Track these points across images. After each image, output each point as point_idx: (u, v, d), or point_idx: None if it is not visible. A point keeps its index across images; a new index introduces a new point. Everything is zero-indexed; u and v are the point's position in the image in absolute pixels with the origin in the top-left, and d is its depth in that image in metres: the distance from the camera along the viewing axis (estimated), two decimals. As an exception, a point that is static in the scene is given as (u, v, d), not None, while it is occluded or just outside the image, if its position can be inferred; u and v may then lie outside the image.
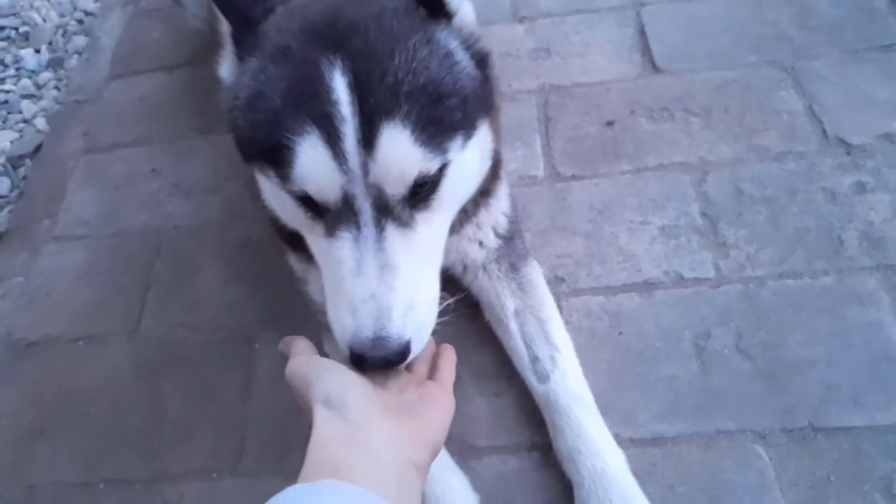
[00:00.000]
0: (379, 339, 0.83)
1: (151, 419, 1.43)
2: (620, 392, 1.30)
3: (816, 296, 1.36)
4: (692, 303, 1.39)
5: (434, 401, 0.89)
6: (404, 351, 0.85)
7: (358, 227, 0.85)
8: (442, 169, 0.89)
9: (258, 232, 1.64)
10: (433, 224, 0.92)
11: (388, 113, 0.82)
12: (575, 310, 1.42)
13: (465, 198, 1.04)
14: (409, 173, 0.85)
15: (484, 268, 1.36)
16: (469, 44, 0.95)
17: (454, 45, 0.92)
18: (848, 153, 1.56)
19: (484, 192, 1.25)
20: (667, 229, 1.51)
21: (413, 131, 0.83)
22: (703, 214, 1.52)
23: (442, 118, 0.86)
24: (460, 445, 1.27)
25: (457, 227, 1.25)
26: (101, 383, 1.50)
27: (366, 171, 0.83)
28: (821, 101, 1.66)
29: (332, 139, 0.82)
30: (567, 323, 1.36)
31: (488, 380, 1.36)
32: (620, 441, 1.20)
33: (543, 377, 1.25)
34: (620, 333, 1.38)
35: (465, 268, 1.38)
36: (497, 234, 1.35)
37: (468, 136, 0.92)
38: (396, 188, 0.85)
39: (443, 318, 0.97)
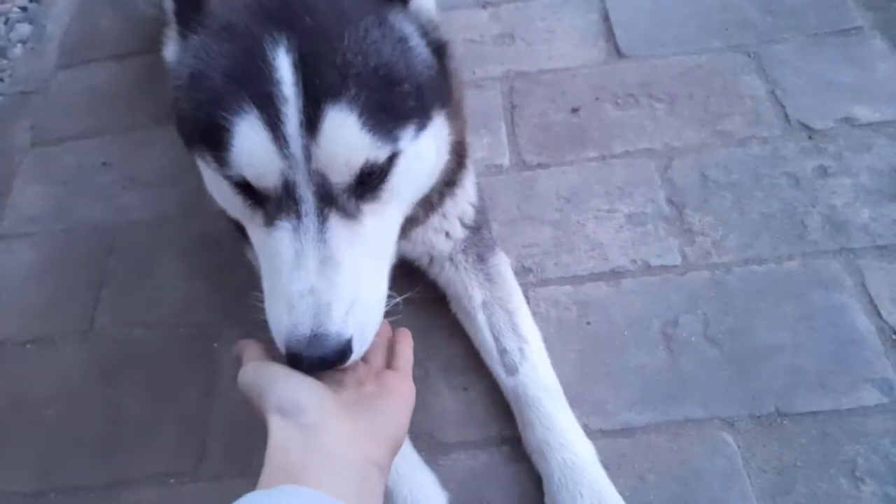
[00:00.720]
0: (316, 337, 0.78)
1: (108, 423, 1.37)
2: (589, 382, 1.29)
3: (782, 281, 1.36)
4: (659, 290, 1.38)
5: (393, 392, 0.86)
6: (344, 350, 0.80)
7: (298, 216, 0.80)
8: (392, 158, 0.84)
9: (218, 226, 1.57)
10: (382, 216, 0.88)
11: (335, 95, 0.77)
12: (543, 300, 1.41)
13: (418, 190, 0.99)
14: (356, 160, 0.80)
15: (451, 259, 1.34)
16: (426, 31, 0.92)
17: (409, 30, 0.89)
18: (810, 137, 1.56)
19: (449, 182, 1.21)
20: (633, 217, 1.50)
21: (361, 115, 0.78)
22: (669, 201, 1.51)
23: (393, 104, 0.82)
24: (428, 442, 1.25)
25: (421, 218, 1.22)
26: (53, 387, 1.44)
27: (308, 156, 0.78)
28: (784, 86, 1.66)
29: (273, 121, 0.76)
30: (535, 313, 1.35)
31: (456, 373, 1.34)
32: (590, 432, 1.19)
33: (512, 369, 1.23)
34: (588, 323, 1.37)
35: (431, 259, 1.35)
36: (464, 225, 1.32)
37: (422, 125, 0.88)
38: (341, 176, 0.80)
39: (393, 318, 0.93)
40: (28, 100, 2.03)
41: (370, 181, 0.83)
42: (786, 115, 1.61)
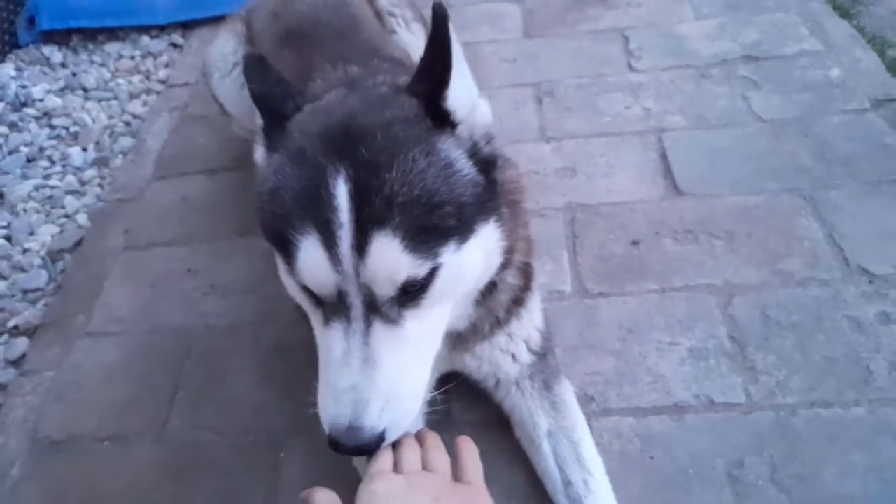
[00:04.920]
0: (353, 429, 0.89)
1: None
2: (653, 520, 1.28)
3: (849, 427, 1.36)
4: (724, 429, 1.39)
5: None
6: (377, 441, 0.90)
7: (349, 320, 0.91)
8: (433, 271, 0.92)
9: (291, 335, 1.67)
10: (424, 320, 0.96)
11: (381, 222, 0.87)
12: (605, 431, 1.42)
13: (464, 293, 1.06)
14: (398, 278, 0.89)
15: (517, 384, 1.38)
16: (476, 150, 0.99)
17: (456, 153, 0.96)
18: (871, 282, 1.60)
19: (516, 301, 1.28)
20: (695, 351, 1.53)
21: (403, 239, 0.87)
22: (731, 338, 1.54)
23: (435, 226, 0.90)
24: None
25: (487, 332, 1.28)
26: (125, 485, 1.49)
27: (357, 272, 0.88)
28: (841, 230, 1.72)
29: (330, 242, 0.88)
30: (597, 444, 1.35)
31: (518, 501, 1.34)
32: (656, 574, 1.17)
33: (576, 502, 1.24)
34: (651, 458, 1.37)
35: (497, 382, 1.39)
36: (530, 350, 1.37)
37: (463, 239, 0.95)
38: (385, 290, 0.90)
39: (433, 409, 1.01)
40: (124, 207, 2.21)
41: (413, 291, 0.92)
42: (845, 259, 1.65)
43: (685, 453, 1.36)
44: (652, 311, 1.63)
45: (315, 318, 0.98)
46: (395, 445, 0.97)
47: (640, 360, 1.54)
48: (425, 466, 0.96)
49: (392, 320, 0.92)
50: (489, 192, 0.99)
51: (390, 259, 0.87)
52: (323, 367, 0.95)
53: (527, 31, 2.66)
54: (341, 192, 0.88)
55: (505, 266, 1.12)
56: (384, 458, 0.95)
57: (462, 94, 0.96)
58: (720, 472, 1.32)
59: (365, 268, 0.88)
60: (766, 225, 1.77)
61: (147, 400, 1.65)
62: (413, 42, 1.93)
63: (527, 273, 1.29)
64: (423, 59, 0.96)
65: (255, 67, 1.04)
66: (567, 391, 1.40)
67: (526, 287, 1.30)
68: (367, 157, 0.90)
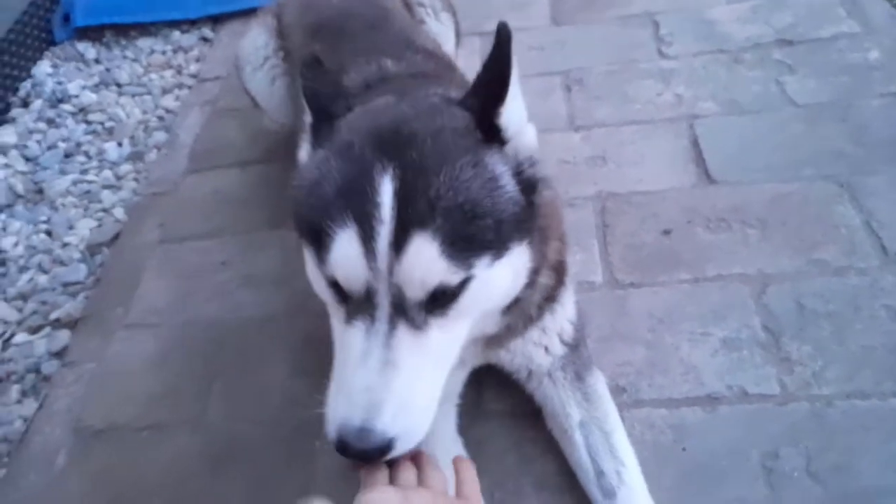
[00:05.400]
0: (363, 431, 0.86)
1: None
2: (686, 511, 1.27)
3: (886, 418, 1.34)
4: (758, 420, 1.38)
5: None
6: (386, 447, 0.87)
7: (373, 320, 0.90)
8: (464, 282, 0.92)
9: (323, 327, 1.68)
10: (448, 331, 0.95)
11: (422, 224, 0.87)
12: (637, 421, 1.42)
13: (489, 311, 1.05)
14: (430, 281, 0.89)
15: (549, 375, 1.38)
16: (520, 170, 0.98)
17: (502, 170, 0.96)
18: (910, 271, 1.56)
19: (549, 298, 1.28)
20: (728, 342, 1.52)
21: (442, 244, 0.87)
22: (765, 328, 1.53)
23: (473, 236, 0.90)
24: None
25: (520, 329, 1.28)
26: (164, 473, 1.53)
27: (391, 270, 0.88)
28: (879, 218, 1.68)
29: (368, 237, 0.87)
30: (630, 435, 1.35)
31: (550, 491, 1.35)
32: (690, 565, 1.17)
33: (609, 493, 1.24)
34: (684, 449, 1.37)
35: (529, 374, 1.40)
36: (563, 342, 1.37)
37: (498, 255, 0.95)
38: (415, 292, 0.89)
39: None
40: (159, 200, 2.26)
41: (442, 299, 0.92)
42: (883, 247, 1.62)
43: (719, 444, 1.36)
44: (684, 301, 1.62)
45: (337, 316, 0.97)
46: (391, 464, 0.94)
47: (672, 351, 1.53)
48: (421, 484, 0.94)
49: (417, 326, 0.91)
50: (527, 213, 0.99)
51: (426, 261, 0.87)
52: (338, 366, 0.95)
53: (554, 17, 2.64)
54: (386, 189, 0.88)
55: (529, 287, 1.11)
56: (380, 473, 0.92)
57: (514, 114, 0.97)
58: (754, 464, 1.31)
59: (399, 267, 0.87)
60: (801, 213, 1.74)
61: (184, 390, 1.69)
62: (442, 32, 1.93)
63: (560, 270, 1.28)
64: (480, 75, 0.96)
65: (312, 66, 1.05)
66: (599, 382, 1.40)
67: (559, 283, 1.29)
68: (415, 158, 0.90)
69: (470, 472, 1.01)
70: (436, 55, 1.60)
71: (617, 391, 1.47)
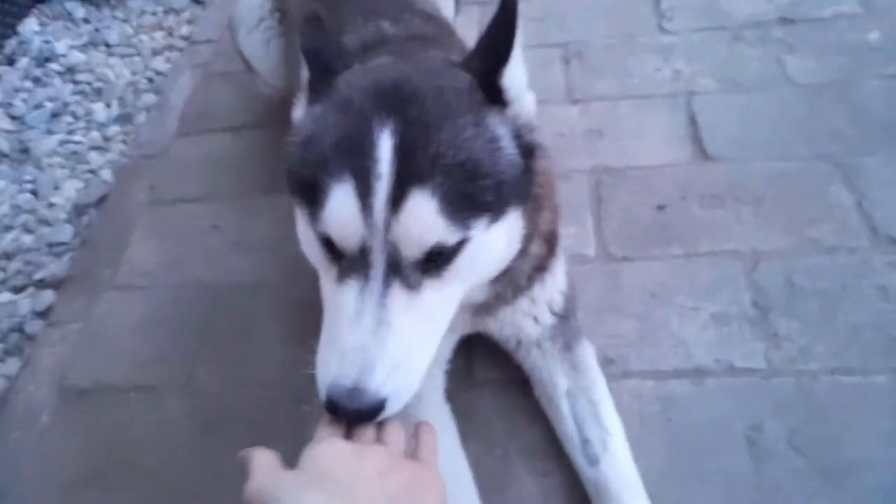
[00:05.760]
0: (356, 391, 0.85)
1: (205, 474, 1.42)
2: (670, 481, 1.28)
3: (872, 395, 1.35)
4: (744, 393, 1.39)
5: (427, 488, 0.82)
6: (378, 408, 0.86)
7: (367, 278, 0.88)
8: (461, 243, 0.91)
9: (315, 292, 1.67)
10: (441, 293, 0.94)
11: (421, 180, 0.85)
12: (625, 392, 1.43)
13: (482, 276, 1.05)
14: (427, 240, 0.88)
15: (538, 345, 1.38)
16: (519, 133, 0.98)
17: (502, 131, 0.95)
18: (900, 251, 1.57)
19: (540, 268, 1.28)
20: (718, 316, 1.52)
21: (441, 202, 0.86)
22: (755, 304, 1.53)
23: (472, 196, 0.89)
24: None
25: (509, 298, 1.28)
26: (151, 434, 1.53)
27: (387, 227, 0.86)
28: (871, 198, 1.68)
29: (365, 191, 0.86)
30: (617, 405, 1.35)
31: (537, 458, 1.36)
32: (672, 533, 1.19)
33: (593, 461, 1.25)
34: (670, 420, 1.38)
35: (518, 343, 1.40)
36: (552, 312, 1.37)
37: (495, 218, 0.94)
38: (412, 251, 0.88)
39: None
40: (148, 163, 2.22)
41: (437, 260, 0.91)
42: (873, 228, 1.62)
43: (704, 417, 1.37)
44: (676, 276, 1.62)
45: (327, 276, 0.96)
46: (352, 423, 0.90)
47: (663, 325, 1.53)
48: (379, 440, 0.89)
49: (411, 286, 0.90)
50: (525, 178, 0.99)
51: (424, 218, 0.86)
52: (329, 326, 0.93)
53: (554, -12, 2.60)
54: (385, 144, 0.86)
55: (521, 255, 1.10)
56: (336, 426, 0.89)
57: (516, 77, 0.96)
58: (738, 436, 1.33)
59: (397, 223, 0.86)
60: (796, 191, 1.74)
61: (173, 352, 1.68)
62: (442, -3, 1.89)
63: (552, 241, 1.28)
64: (483, 37, 0.95)
65: (313, 24, 1.03)
66: (587, 352, 1.40)
67: (550, 254, 1.29)
68: (416, 115, 0.89)
69: (431, 437, 0.97)
70: (435, 18, 1.58)
71: (606, 362, 1.47)
